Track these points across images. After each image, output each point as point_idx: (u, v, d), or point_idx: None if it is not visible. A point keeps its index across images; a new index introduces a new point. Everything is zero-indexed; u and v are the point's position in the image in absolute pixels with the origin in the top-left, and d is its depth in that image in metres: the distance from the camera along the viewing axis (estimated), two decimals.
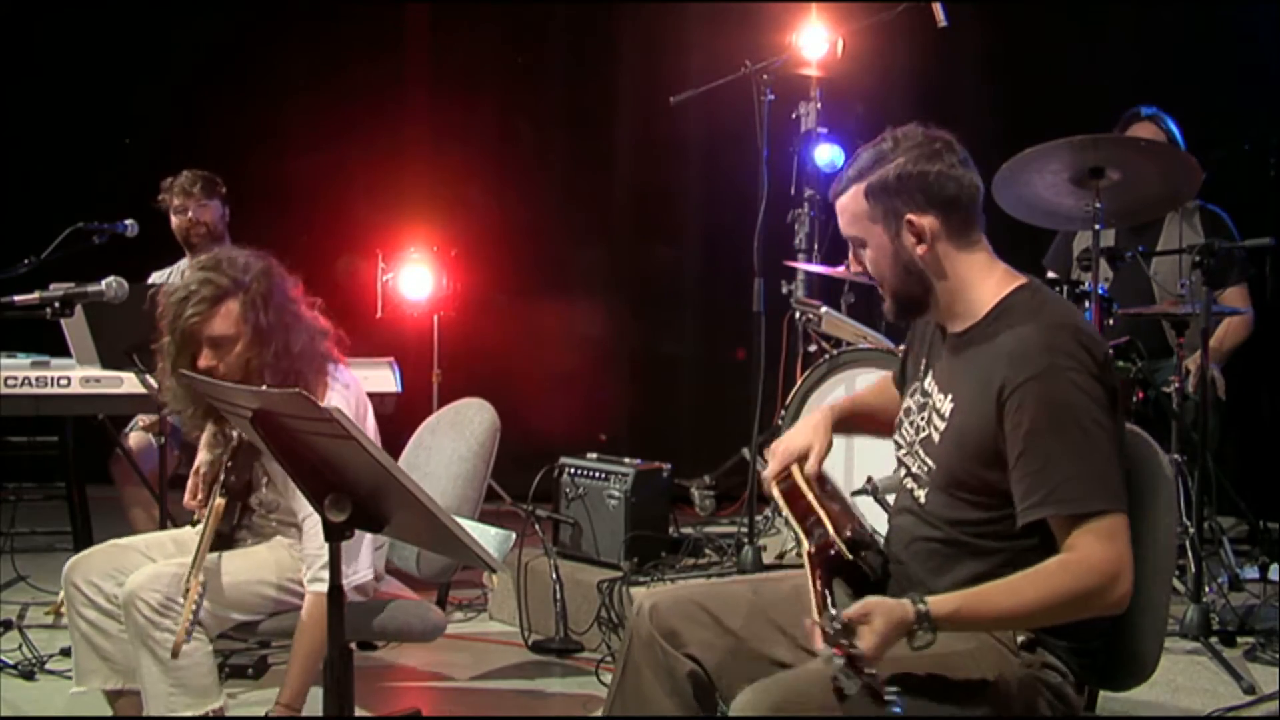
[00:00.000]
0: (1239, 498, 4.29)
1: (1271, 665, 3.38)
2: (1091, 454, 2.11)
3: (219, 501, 3.04)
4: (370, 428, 3.12)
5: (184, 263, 5.04)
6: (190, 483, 3.19)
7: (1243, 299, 4.50)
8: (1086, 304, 3.96)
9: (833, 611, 1.98)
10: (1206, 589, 3.65)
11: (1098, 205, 3.90)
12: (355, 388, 3.13)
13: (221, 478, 3.07)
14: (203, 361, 2.91)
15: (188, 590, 2.87)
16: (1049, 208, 4.12)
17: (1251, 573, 4.18)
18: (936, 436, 2.29)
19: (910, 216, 2.25)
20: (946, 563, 2.26)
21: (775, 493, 2.49)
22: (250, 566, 3.04)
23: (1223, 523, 4.27)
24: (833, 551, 2.27)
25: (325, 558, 2.84)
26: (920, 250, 2.27)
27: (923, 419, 2.35)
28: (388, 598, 3.22)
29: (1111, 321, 4.09)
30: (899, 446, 2.43)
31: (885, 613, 2.02)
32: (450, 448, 3.35)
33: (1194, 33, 5.52)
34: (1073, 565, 2.08)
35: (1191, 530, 3.72)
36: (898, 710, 1.86)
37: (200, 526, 3.06)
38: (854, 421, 2.64)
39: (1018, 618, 2.11)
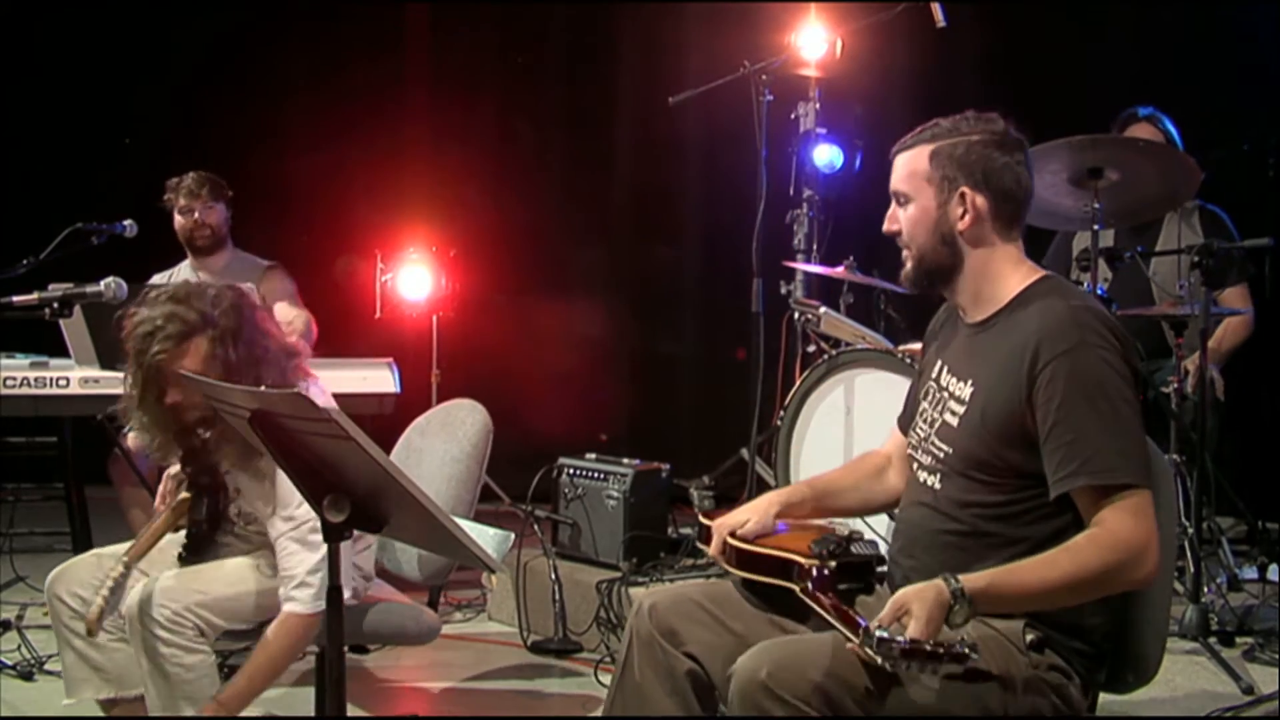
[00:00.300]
0: (1238, 498, 4.29)
1: (1270, 665, 3.38)
2: (1121, 428, 2.15)
3: (183, 495, 3.01)
4: None
5: (186, 264, 5.05)
6: (160, 488, 3.15)
7: (1242, 299, 4.49)
8: None
9: (867, 626, 1.97)
10: (1205, 589, 3.65)
11: (1096, 205, 3.90)
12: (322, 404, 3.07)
13: (184, 476, 3.03)
14: (169, 398, 2.82)
15: (113, 568, 2.83)
16: (1048, 208, 4.12)
17: (1250, 573, 4.18)
18: (955, 421, 2.31)
19: (965, 189, 2.31)
20: (966, 558, 2.25)
21: (728, 569, 2.46)
22: (241, 577, 3.00)
23: (1221, 523, 4.28)
24: (825, 572, 2.27)
25: (299, 577, 2.84)
26: (963, 224, 2.32)
27: (936, 411, 2.37)
28: (380, 601, 3.19)
29: None
30: (912, 448, 2.44)
31: (919, 596, 2.06)
32: (442, 449, 3.33)
33: (1193, 33, 5.52)
34: (1101, 539, 2.11)
35: (1190, 530, 3.72)
36: (976, 656, 1.92)
37: (156, 518, 3.01)
38: (811, 501, 2.59)
39: (1047, 593, 2.13)
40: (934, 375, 2.43)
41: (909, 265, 2.40)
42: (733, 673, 2.13)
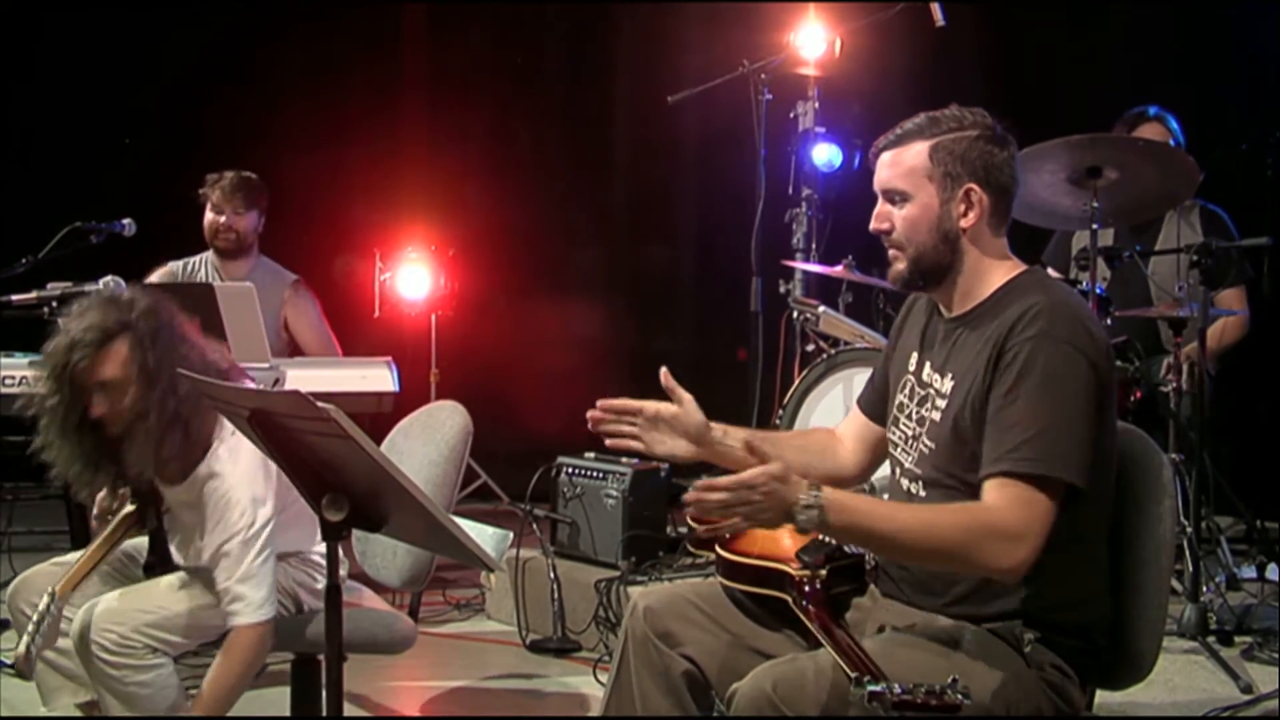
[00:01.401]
0: (1236, 497, 4.29)
1: (1269, 664, 3.37)
2: (1059, 423, 2.09)
3: (126, 510, 2.93)
4: (272, 478, 2.89)
5: (210, 254, 5.00)
6: (95, 509, 3.01)
7: (1239, 301, 4.48)
8: None
9: (859, 676, 1.93)
10: (1204, 588, 3.65)
11: (1095, 205, 3.90)
12: (246, 462, 2.89)
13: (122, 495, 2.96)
14: (95, 410, 2.79)
15: (51, 594, 2.75)
16: (1046, 207, 4.12)
17: (1249, 572, 4.18)
18: (939, 416, 2.28)
19: (972, 186, 2.28)
20: (925, 582, 2.24)
21: (720, 580, 2.40)
22: (194, 591, 2.91)
23: (1220, 522, 4.27)
24: (817, 585, 2.24)
25: (231, 590, 2.76)
26: (966, 221, 2.28)
27: (923, 410, 2.34)
28: (351, 607, 3.07)
29: (1109, 321, 4.09)
30: (893, 445, 2.42)
31: (767, 504, 2.02)
32: (421, 451, 3.24)
33: (1192, 32, 5.52)
34: (975, 512, 2.07)
35: (1189, 530, 3.72)
36: (969, 702, 1.87)
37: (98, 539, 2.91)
38: (762, 436, 2.55)
39: (907, 544, 2.08)
40: (912, 369, 2.40)
41: (903, 265, 2.33)
42: (735, 690, 2.11)
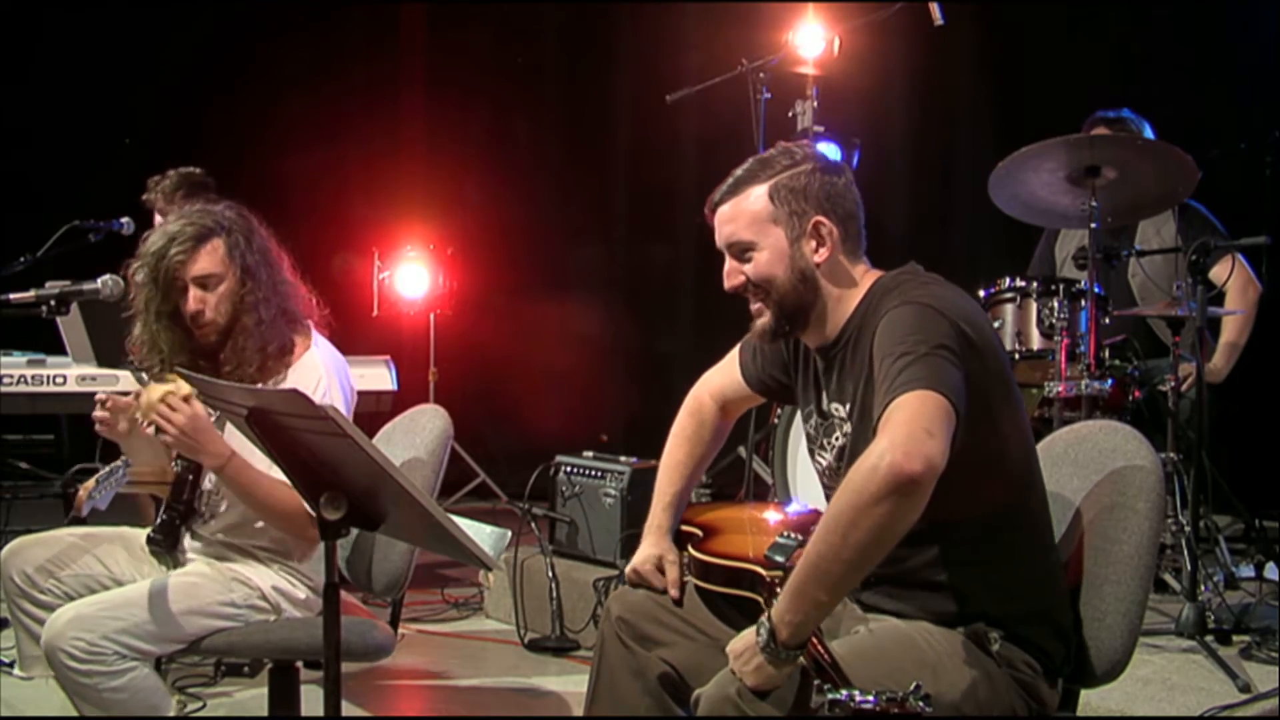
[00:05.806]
0: (1235, 496, 4.29)
1: (1267, 663, 3.37)
2: (921, 354, 2.00)
3: (175, 470, 2.93)
4: (348, 400, 3.04)
5: None
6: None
7: (1228, 271, 4.31)
8: (1083, 303, 3.95)
9: (819, 683, 1.91)
10: (1202, 587, 3.64)
11: (1094, 204, 3.90)
12: (339, 360, 3.08)
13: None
14: (190, 305, 2.89)
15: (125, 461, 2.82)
16: (1045, 206, 4.12)
17: (1247, 571, 4.18)
18: (847, 440, 2.26)
19: (819, 219, 2.24)
20: (891, 593, 2.22)
21: (694, 581, 2.38)
22: (185, 595, 2.87)
23: (1218, 521, 4.27)
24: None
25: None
26: (819, 256, 2.25)
27: (832, 439, 2.32)
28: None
29: (1108, 321, 4.09)
30: (820, 476, 2.39)
31: (732, 652, 2.04)
32: (401, 455, 3.20)
33: (1191, 31, 5.52)
34: (866, 456, 1.91)
35: (1187, 529, 3.71)
36: (930, 710, 1.83)
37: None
38: (683, 496, 2.58)
39: (840, 546, 1.93)
40: (814, 403, 2.37)
41: (769, 317, 2.29)
42: (700, 695, 2.09)
